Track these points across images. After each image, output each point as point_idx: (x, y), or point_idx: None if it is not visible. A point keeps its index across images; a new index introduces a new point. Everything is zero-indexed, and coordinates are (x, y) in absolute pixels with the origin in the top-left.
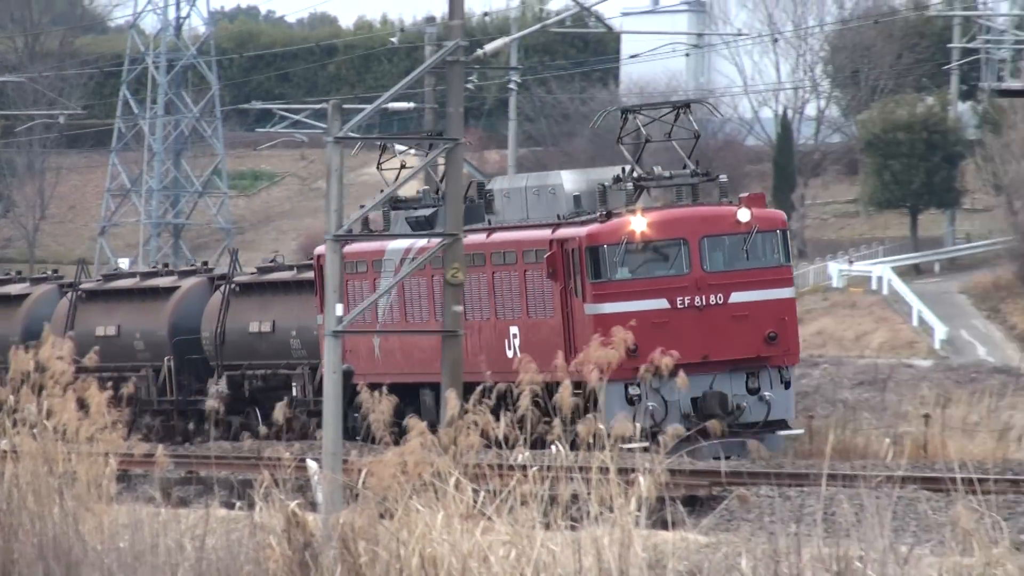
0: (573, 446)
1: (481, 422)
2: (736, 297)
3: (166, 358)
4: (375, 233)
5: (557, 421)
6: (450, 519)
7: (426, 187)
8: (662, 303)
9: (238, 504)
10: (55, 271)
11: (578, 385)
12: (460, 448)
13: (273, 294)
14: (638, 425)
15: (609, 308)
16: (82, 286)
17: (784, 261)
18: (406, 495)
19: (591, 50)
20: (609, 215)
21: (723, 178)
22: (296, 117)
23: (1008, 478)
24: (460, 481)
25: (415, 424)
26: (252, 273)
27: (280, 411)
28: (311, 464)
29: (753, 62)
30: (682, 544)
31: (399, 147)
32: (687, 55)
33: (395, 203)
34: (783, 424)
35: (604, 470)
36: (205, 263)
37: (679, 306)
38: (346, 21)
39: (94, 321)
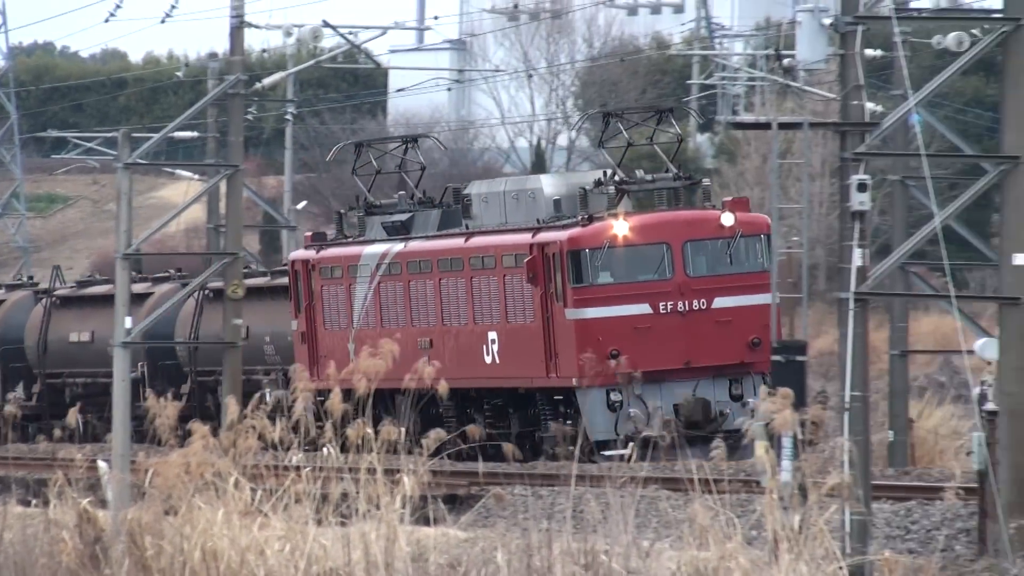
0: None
1: (259, 426)
2: (719, 302)
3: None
4: (349, 239)
5: (329, 425)
6: (230, 516)
7: (402, 192)
8: (644, 308)
9: (34, 502)
10: None
11: (559, 391)
12: (239, 450)
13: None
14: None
15: (591, 313)
16: None
17: (767, 266)
18: (189, 493)
19: (361, 84)
20: (591, 219)
21: (706, 182)
22: (89, 145)
23: (741, 479)
24: (239, 481)
25: (197, 428)
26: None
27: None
28: (101, 465)
29: (510, 96)
30: (443, 539)
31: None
32: (449, 89)
33: (370, 208)
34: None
35: (372, 471)
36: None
37: (662, 311)
38: (135, 56)
39: None
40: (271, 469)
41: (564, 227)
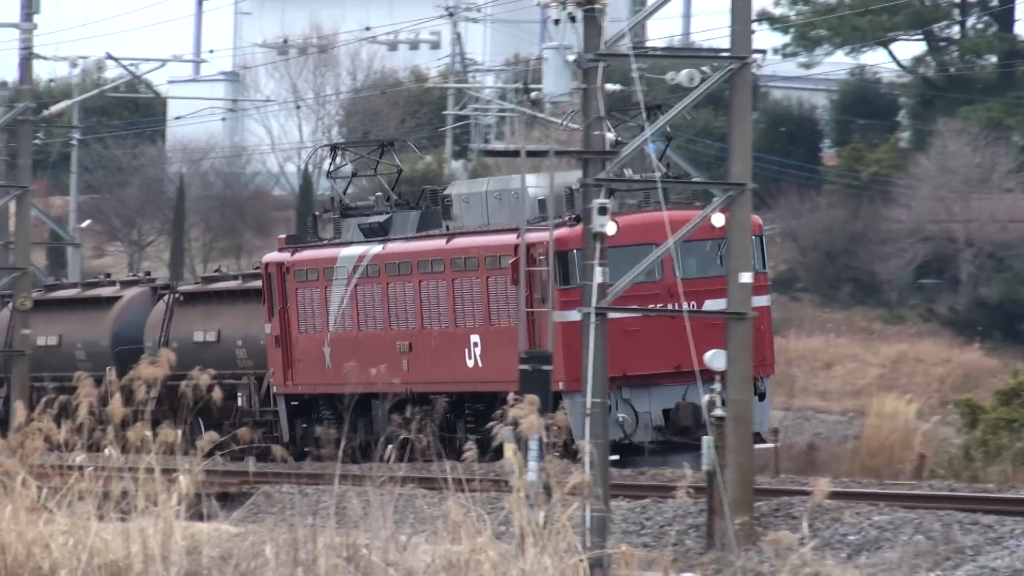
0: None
1: (46, 428)
2: (710, 305)
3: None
4: (324, 241)
5: (138, 426)
6: (17, 512)
7: (379, 193)
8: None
9: None
10: None
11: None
12: (27, 451)
13: (219, 303)
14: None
15: (578, 315)
16: None
17: (760, 268)
18: None
19: (142, 112)
20: (578, 219)
21: (697, 180)
22: None
23: (491, 479)
24: (26, 479)
25: None
26: (197, 283)
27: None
28: None
29: (280, 124)
30: (216, 534)
31: None
32: (224, 119)
33: (345, 210)
34: (757, 438)
35: (151, 470)
36: (147, 273)
37: (651, 314)
38: None
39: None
40: (56, 468)
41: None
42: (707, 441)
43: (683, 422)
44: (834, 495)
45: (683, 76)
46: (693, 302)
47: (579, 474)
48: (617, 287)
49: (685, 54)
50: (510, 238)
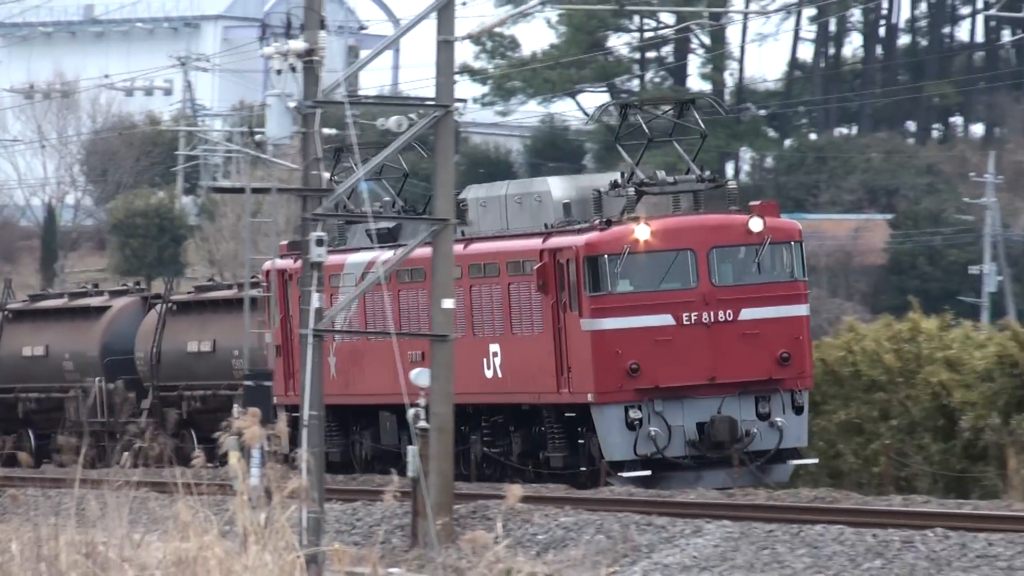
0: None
1: None
2: (747, 314)
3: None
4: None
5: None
6: None
7: (387, 199)
8: (667, 319)
9: None
10: None
11: (571, 407)
12: None
13: (214, 312)
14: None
15: (609, 324)
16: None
17: (799, 276)
18: None
19: None
20: (609, 223)
21: (732, 184)
22: None
23: (218, 483)
24: None
25: None
26: (190, 292)
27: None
28: None
29: (26, 161)
30: None
31: None
32: None
33: (352, 219)
34: (794, 453)
35: None
36: (138, 283)
37: (685, 322)
38: None
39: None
40: None
41: (579, 231)
42: (412, 451)
43: (718, 436)
44: (526, 499)
45: (392, 122)
46: (729, 310)
47: (297, 479)
48: (333, 311)
49: (394, 102)
50: (535, 243)
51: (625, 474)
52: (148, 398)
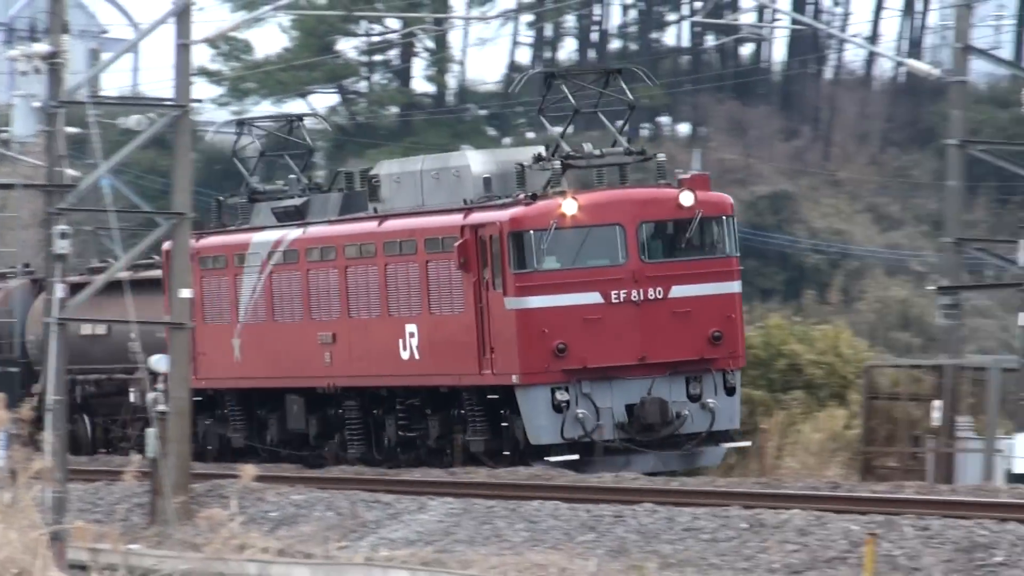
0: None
1: None
2: (677, 291)
3: None
4: (232, 227)
5: None
6: None
7: (292, 176)
8: (595, 297)
9: None
10: None
11: (494, 389)
12: None
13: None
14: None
15: (535, 302)
16: None
17: (731, 251)
18: None
19: None
20: (534, 197)
21: (661, 156)
22: None
23: None
24: None
25: None
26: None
27: None
28: None
29: None
30: None
31: None
32: None
33: (254, 195)
34: (727, 436)
35: None
36: (26, 265)
37: (614, 300)
38: None
39: None
40: None
41: (503, 206)
42: (151, 433)
43: (648, 419)
44: (260, 478)
45: (132, 121)
46: (659, 288)
47: (41, 460)
48: (80, 298)
49: (134, 102)
50: (455, 219)
51: (552, 458)
52: (39, 383)
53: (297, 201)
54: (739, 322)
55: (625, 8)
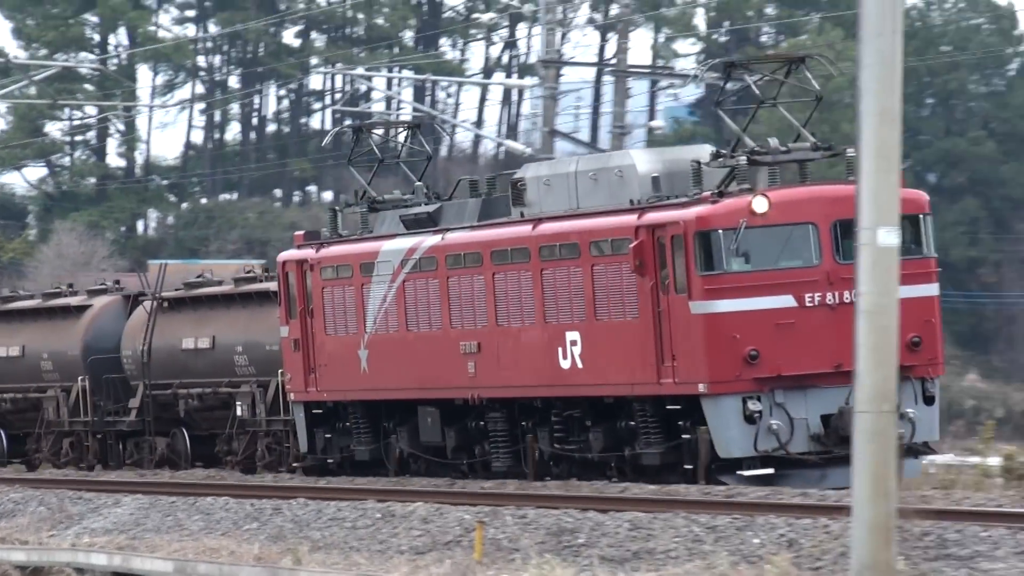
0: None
1: None
2: None
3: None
4: (357, 235)
5: None
6: None
7: (418, 183)
8: (788, 300)
9: None
10: None
11: (675, 399)
12: None
13: (211, 308)
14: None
15: (724, 306)
16: None
17: (928, 252)
18: None
19: None
20: (721, 194)
21: (851, 152)
22: None
23: None
24: None
25: None
26: (179, 289)
27: None
28: None
29: None
30: None
31: None
32: None
33: (374, 203)
34: (925, 448)
35: None
36: (116, 281)
37: (808, 304)
38: None
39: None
40: None
41: (683, 205)
42: None
43: (847, 430)
44: None
45: None
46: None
47: None
48: None
49: None
50: (627, 219)
51: (745, 472)
52: (137, 397)
53: (429, 208)
54: (938, 327)
55: (279, 98)
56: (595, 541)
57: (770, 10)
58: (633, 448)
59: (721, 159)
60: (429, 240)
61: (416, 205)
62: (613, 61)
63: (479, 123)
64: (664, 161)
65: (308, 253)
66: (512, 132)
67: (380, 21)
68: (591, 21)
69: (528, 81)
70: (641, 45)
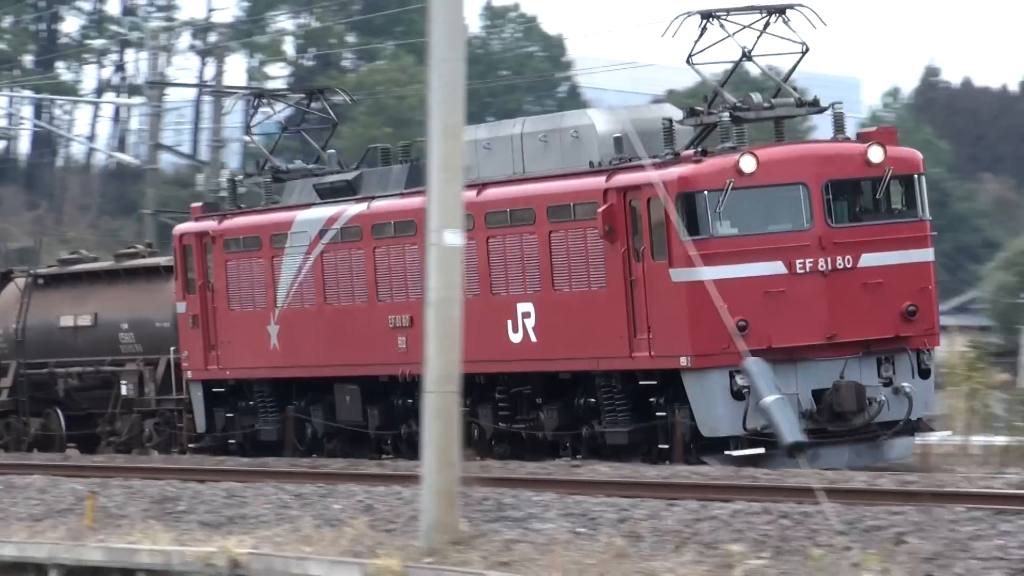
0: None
1: None
2: (867, 260)
3: None
4: (260, 208)
5: None
6: None
7: (331, 151)
8: (778, 267)
9: None
10: None
11: (649, 374)
12: None
13: (91, 284)
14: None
15: (711, 274)
16: None
17: (923, 214)
18: None
19: None
20: (704, 153)
21: (839, 107)
22: None
23: None
24: None
25: None
26: (53, 266)
27: None
28: None
29: None
30: None
31: None
32: None
33: (278, 173)
34: (921, 424)
35: None
36: None
37: (799, 271)
38: None
39: None
40: None
41: (661, 165)
42: None
43: (844, 406)
44: None
45: None
46: (848, 256)
47: None
48: None
49: None
50: (593, 181)
51: (734, 452)
52: (9, 376)
53: (348, 175)
54: (934, 295)
55: None
56: (195, 508)
57: (351, 38)
58: (592, 427)
59: (697, 117)
60: (353, 209)
61: (330, 174)
62: (212, 83)
63: (92, 137)
64: (624, 121)
65: (209, 225)
66: (121, 145)
67: (2, 46)
68: (192, 47)
69: (136, 100)
70: (237, 68)
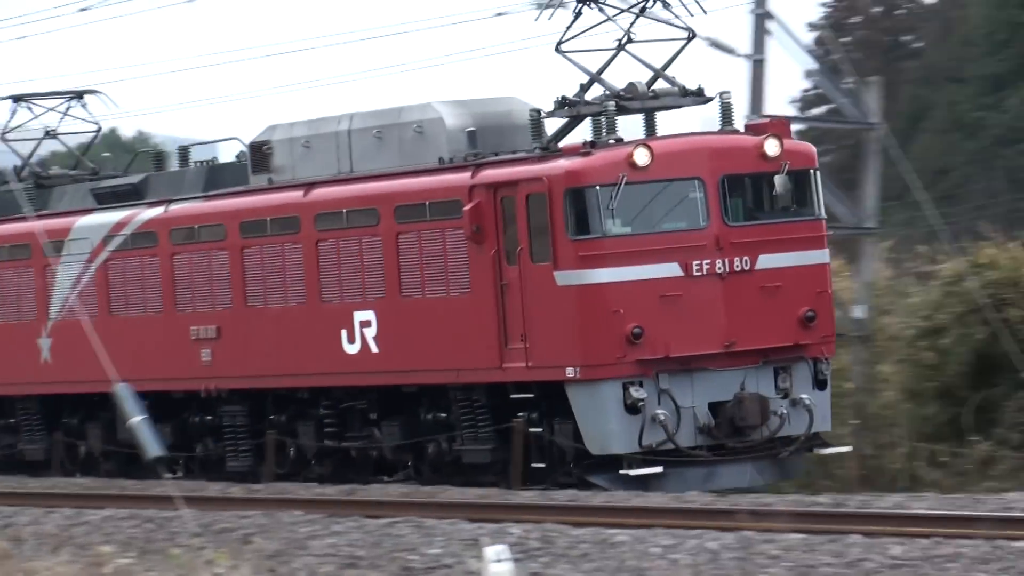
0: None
1: None
2: (765, 261)
3: None
4: (23, 216)
5: None
6: None
7: (106, 154)
8: (673, 269)
9: None
10: None
11: (525, 386)
12: None
13: None
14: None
15: (603, 276)
16: None
17: (819, 212)
18: None
19: None
20: (593, 145)
21: (728, 96)
22: None
23: None
24: None
25: None
26: None
27: None
28: None
29: None
30: None
31: None
32: None
33: (40, 180)
34: (817, 439)
35: None
36: None
37: (695, 273)
38: None
39: None
40: None
41: (540, 160)
42: None
43: (748, 420)
44: None
45: None
46: (745, 257)
47: None
48: None
49: None
50: (456, 177)
51: (631, 471)
52: None
53: (133, 179)
54: (830, 299)
55: None
56: None
57: None
58: (440, 444)
59: (570, 108)
60: (146, 213)
61: (107, 178)
62: None
63: None
64: (475, 114)
65: None
66: None
67: None
68: None
69: None
70: None
